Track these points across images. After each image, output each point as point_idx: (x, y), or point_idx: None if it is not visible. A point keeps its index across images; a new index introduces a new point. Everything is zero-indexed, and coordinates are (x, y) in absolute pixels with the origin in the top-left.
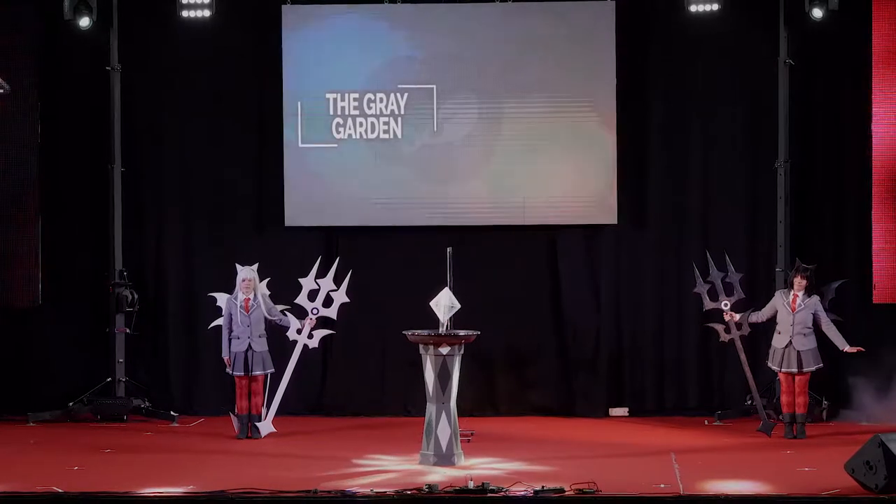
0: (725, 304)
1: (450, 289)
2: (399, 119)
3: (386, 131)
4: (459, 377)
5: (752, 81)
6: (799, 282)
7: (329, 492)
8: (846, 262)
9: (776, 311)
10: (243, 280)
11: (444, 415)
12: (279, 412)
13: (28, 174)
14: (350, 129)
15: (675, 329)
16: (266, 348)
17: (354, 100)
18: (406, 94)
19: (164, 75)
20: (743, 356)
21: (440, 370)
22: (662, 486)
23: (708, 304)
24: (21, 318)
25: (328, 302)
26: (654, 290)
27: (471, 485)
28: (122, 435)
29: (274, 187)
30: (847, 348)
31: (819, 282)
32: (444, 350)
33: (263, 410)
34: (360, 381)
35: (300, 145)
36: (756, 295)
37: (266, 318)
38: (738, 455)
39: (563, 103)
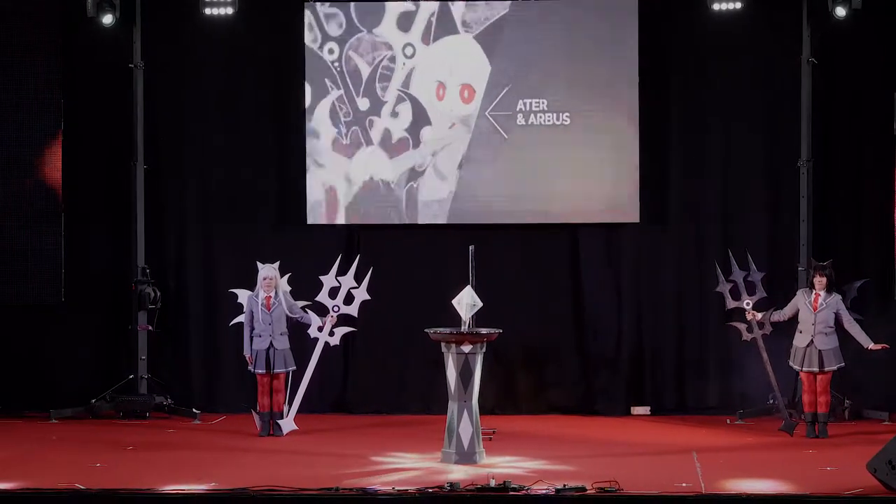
0: (748, 303)
1: (472, 287)
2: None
3: (407, 130)
4: (481, 375)
5: (775, 80)
6: (819, 280)
7: (351, 490)
8: (868, 261)
9: (798, 310)
10: (265, 278)
11: (465, 413)
12: (301, 410)
13: (50, 172)
14: (370, 128)
15: (697, 328)
16: (288, 346)
17: (342, 93)
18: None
19: (187, 73)
20: (765, 355)
21: (462, 368)
22: (684, 484)
23: (730, 303)
24: (44, 315)
25: (349, 299)
26: (675, 289)
27: (492, 483)
28: (144, 432)
29: (295, 185)
30: (871, 346)
31: (841, 280)
32: (466, 348)
33: (285, 408)
34: (381, 378)
35: (323, 144)
36: (777, 294)
37: (287, 316)
38: (760, 454)
39: (586, 102)
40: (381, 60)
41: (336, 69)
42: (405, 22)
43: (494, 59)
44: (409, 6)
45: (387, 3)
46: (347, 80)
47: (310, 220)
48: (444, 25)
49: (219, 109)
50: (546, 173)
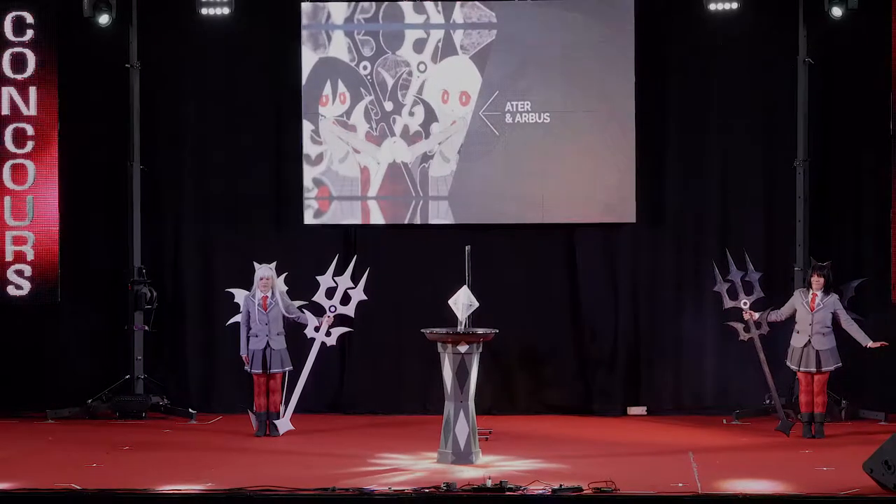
0: (745, 303)
1: (468, 287)
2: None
3: (403, 131)
4: (477, 375)
5: (771, 80)
6: (817, 280)
7: (347, 490)
8: (865, 261)
9: (795, 310)
10: (261, 279)
11: (462, 413)
12: (297, 410)
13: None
14: (393, 124)
15: (693, 328)
16: (284, 346)
17: (373, 98)
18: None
19: (183, 73)
20: (762, 355)
21: (458, 368)
22: (680, 484)
23: (727, 303)
24: (40, 316)
25: (346, 300)
26: (672, 289)
27: (489, 483)
28: (140, 432)
29: (292, 185)
30: (870, 343)
31: (838, 281)
32: (463, 348)
33: (282, 408)
34: (378, 378)
35: (359, 135)
36: (775, 294)
37: (284, 316)
38: (757, 454)
39: (582, 101)
40: (402, 74)
41: (368, 80)
42: (419, 46)
43: (484, 73)
44: (422, 34)
45: (406, 31)
46: (377, 88)
47: (307, 221)
48: (447, 48)
49: (216, 109)
50: (543, 173)
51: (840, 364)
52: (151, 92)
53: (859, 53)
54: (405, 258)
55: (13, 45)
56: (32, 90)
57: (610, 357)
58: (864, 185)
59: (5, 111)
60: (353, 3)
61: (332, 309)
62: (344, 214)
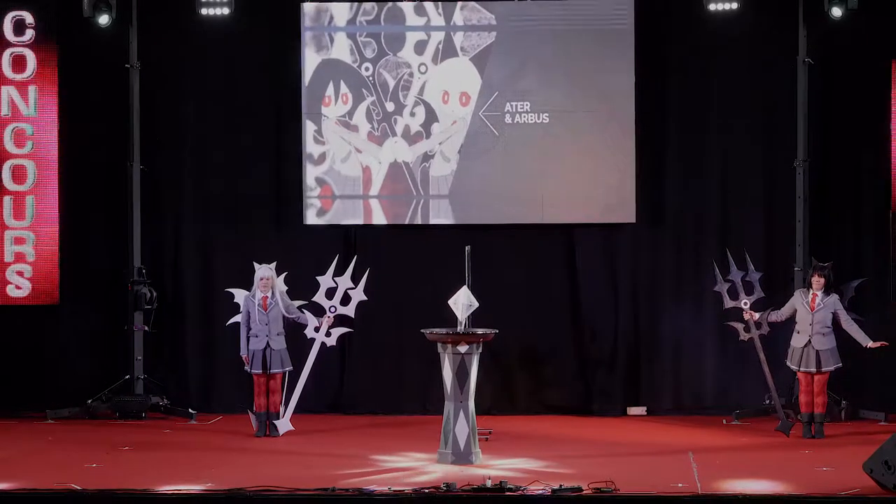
0: (745, 303)
1: (468, 287)
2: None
3: (404, 131)
4: (477, 375)
5: (771, 80)
6: (817, 280)
7: (347, 490)
8: (865, 261)
9: (795, 311)
10: (261, 279)
11: (461, 413)
12: (297, 410)
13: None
14: (395, 124)
15: (693, 328)
16: (284, 346)
17: (374, 99)
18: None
19: (183, 73)
20: (762, 355)
21: (458, 369)
22: (680, 485)
23: (728, 303)
24: (40, 316)
25: (346, 300)
26: (672, 289)
27: (488, 483)
28: (140, 432)
29: (293, 185)
30: (870, 344)
31: (838, 281)
32: (462, 348)
33: (282, 408)
34: (378, 379)
35: (361, 135)
36: (775, 294)
37: (284, 316)
38: (756, 454)
39: (582, 101)
40: (403, 75)
41: (370, 81)
42: (420, 48)
43: (484, 74)
44: (423, 36)
45: (407, 33)
46: (378, 89)
47: (307, 221)
48: (448, 50)
49: (215, 109)
50: (543, 173)
51: (840, 364)
52: (151, 92)
53: (859, 53)
54: (405, 258)
55: (13, 45)
56: (32, 90)
57: (610, 357)
58: (864, 185)
59: (5, 111)
60: (355, 5)
61: (332, 309)
62: (346, 213)
